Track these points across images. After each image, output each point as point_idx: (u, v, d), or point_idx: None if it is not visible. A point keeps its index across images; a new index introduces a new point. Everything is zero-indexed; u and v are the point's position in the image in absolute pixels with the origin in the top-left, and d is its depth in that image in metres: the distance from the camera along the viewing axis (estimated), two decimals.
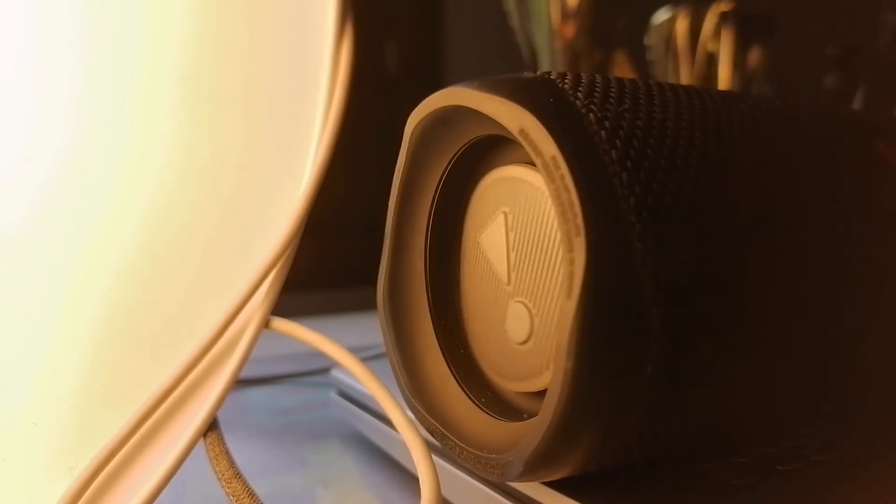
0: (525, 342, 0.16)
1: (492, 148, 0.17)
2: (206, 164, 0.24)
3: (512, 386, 0.16)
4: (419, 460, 0.17)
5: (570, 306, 0.12)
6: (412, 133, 0.17)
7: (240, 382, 0.33)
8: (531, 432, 0.13)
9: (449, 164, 0.17)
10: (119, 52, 0.24)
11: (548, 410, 0.13)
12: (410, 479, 0.23)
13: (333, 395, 0.28)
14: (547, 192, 0.15)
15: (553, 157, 0.13)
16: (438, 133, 0.17)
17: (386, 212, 0.18)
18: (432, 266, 0.18)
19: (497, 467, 0.15)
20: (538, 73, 0.15)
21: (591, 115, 0.14)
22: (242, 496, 0.18)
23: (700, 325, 0.14)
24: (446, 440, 0.17)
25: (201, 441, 0.19)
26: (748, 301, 0.15)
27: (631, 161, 0.13)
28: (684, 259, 0.14)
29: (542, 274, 0.15)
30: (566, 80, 0.15)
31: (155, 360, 0.21)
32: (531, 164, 0.15)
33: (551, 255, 0.15)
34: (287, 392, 0.34)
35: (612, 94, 0.14)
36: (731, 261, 0.14)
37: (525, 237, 0.15)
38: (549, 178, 0.13)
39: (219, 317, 0.20)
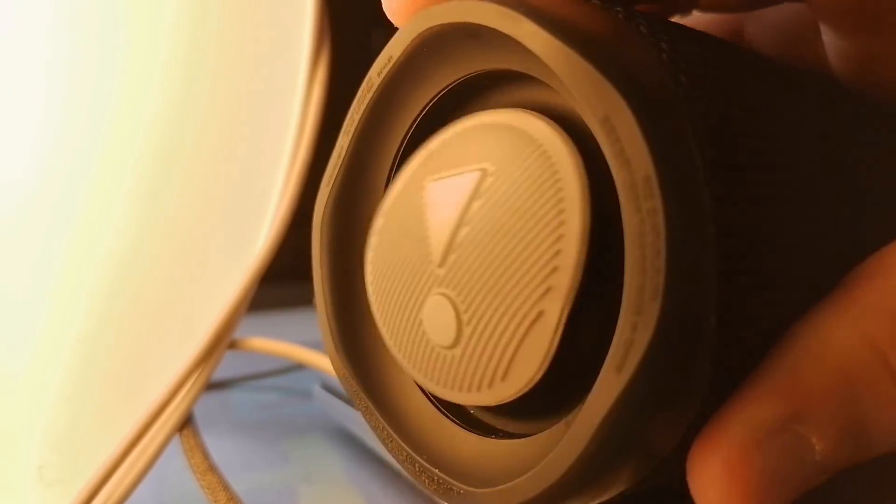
0: (450, 347, 0.11)
1: (496, 81, 0.12)
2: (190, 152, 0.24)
3: (444, 394, 0.12)
4: None
5: (618, 382, 0.09)
6: (410, 42, 0.12)
7: (221, 381, 0.32)
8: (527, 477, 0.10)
9: (436, 96, 0.13)
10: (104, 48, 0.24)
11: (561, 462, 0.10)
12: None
13: (317, 389, 0.28)
14: (556, 165, 0.10)
15: (647, 178, 0.09)
16: (453, 49, 0.12)
17: None
18: None
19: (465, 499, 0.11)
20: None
21: (689, 105, 0.10)
22: (217, 489, 0.17)
23: None
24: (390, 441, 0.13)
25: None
26: None
27: (737, 198, 0.10)
28: (758, 342, 0.11)
29: (500, 273, 0.11)
30: (641, 21, 0.11)
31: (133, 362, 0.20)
32: (556, 115, 0.11)
33: (527, 250, 0.10)
34: (270, 385, 0.34)
35: (702, 67, 0.11)
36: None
37: (498, 213, 0.11)
38: (633, 205, 0.09)
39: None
